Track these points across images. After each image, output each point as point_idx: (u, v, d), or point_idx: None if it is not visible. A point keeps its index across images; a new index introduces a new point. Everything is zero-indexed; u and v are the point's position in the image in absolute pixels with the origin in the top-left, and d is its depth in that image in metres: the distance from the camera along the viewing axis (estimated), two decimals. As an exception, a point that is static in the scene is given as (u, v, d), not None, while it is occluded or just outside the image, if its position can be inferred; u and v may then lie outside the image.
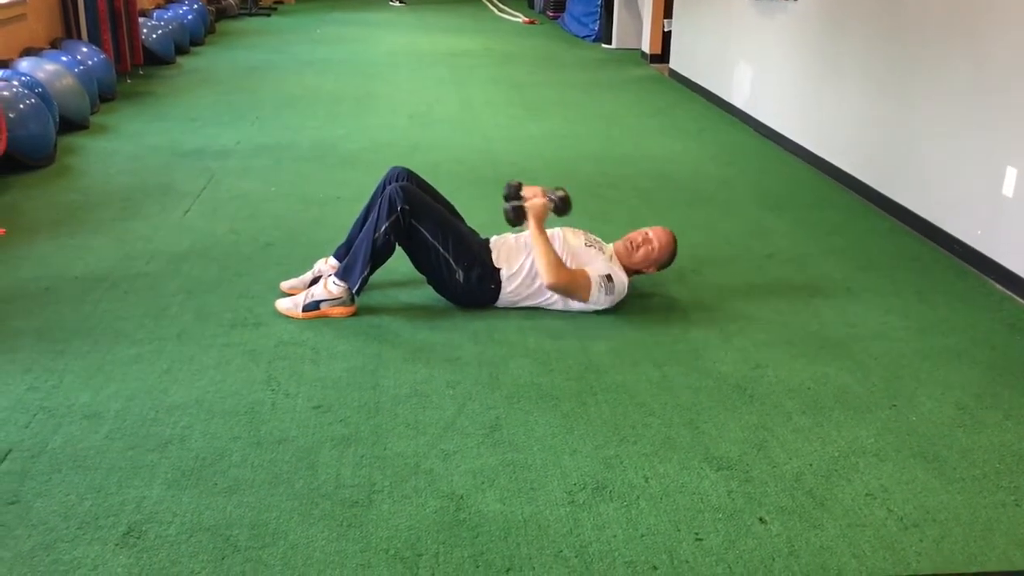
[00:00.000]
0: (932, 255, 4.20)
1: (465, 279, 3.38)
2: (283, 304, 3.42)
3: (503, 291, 3.43)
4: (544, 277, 3.34)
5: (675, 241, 3.57)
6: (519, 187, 3.53)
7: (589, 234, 3.59)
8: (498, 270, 3.42)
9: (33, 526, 2.22)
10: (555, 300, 3.45)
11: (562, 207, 3.48)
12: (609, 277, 3.40)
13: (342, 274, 3.37)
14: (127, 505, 2.30)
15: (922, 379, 3.04)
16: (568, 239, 3.50)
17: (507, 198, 3.51)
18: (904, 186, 4.64)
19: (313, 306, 3.36)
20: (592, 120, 6.86)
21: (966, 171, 4.12)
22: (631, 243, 3.52)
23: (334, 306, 3.37)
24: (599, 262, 3.43)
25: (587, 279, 3.37)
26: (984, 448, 2.65)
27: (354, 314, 3.39)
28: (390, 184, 3.44)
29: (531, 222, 3.39)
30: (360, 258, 3.33)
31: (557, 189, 3.51)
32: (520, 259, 3.43)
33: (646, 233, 3.54)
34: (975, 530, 2.29)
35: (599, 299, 3.39)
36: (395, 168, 3.61)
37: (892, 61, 4.75)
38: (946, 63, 4.27)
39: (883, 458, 2.58)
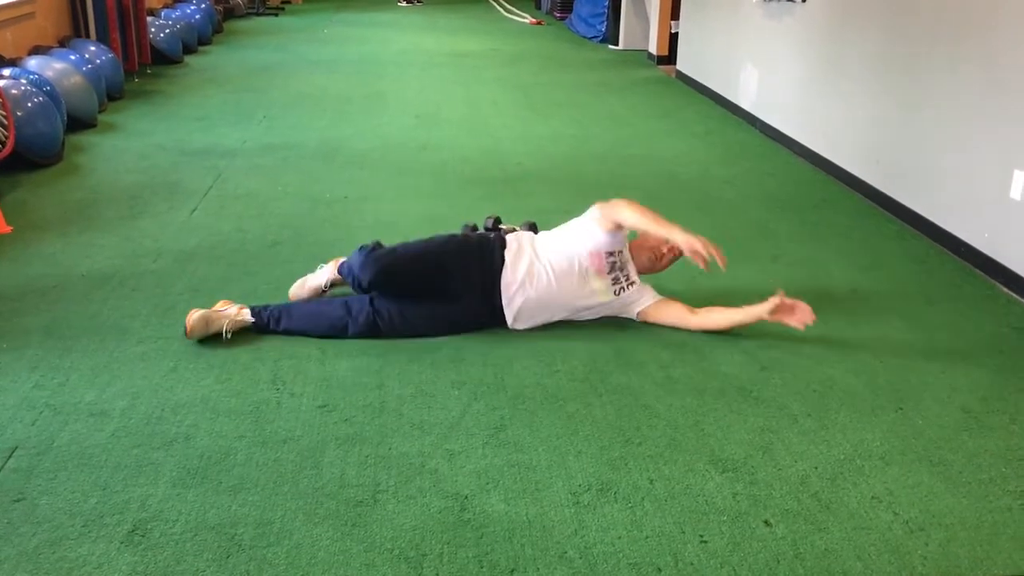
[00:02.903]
0: (939, 258, 4.19)
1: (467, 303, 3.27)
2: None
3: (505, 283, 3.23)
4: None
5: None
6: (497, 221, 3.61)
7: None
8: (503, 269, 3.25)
9: (38, 523, 2.22)
10: (580, 307, 3.32)
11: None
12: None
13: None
14: (132, 503, 2.30)
15: (928, 382, 3.03)
16: (549, 239, 3.37)
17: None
18: (911, 189, 4.63)
19: None
20: (599, 121, 6.85)
21: (974, 174, 4.11)
22: (654, 252, 3.44)
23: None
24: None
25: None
26: (990, 452, 2.64)
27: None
28: (361, 295, 3.26)
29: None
30: (322, 323, 3.22)
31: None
32: (524, 257, 3.28)
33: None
34: (981, 534, 2.29)
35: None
36: (362, 258, 3.23)
37: (900, 63, 4.74)
38: (954, 65, 4.26)
39: (889, 461, 2.58)
